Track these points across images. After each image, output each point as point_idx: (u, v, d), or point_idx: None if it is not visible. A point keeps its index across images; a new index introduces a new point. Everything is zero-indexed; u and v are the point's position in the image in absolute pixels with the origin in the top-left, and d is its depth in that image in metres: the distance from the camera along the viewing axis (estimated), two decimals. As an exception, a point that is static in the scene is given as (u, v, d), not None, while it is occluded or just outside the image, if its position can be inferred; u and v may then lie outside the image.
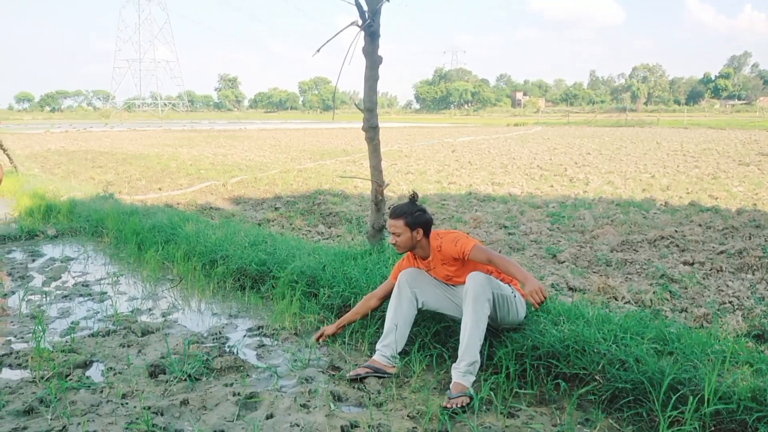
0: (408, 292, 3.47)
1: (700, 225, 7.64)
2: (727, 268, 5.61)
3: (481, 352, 3.16)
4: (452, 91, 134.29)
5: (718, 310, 4.50)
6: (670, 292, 4.93)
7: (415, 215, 3.46)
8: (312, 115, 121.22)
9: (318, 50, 4.73)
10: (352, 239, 6.85)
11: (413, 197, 3.57)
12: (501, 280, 3.37)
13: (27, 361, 3.54)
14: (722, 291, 4.97)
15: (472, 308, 3.13)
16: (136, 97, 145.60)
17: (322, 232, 7.56)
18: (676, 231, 7.14)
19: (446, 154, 20.80)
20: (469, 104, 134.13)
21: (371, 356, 3.49)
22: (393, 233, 3.51)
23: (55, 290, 5.07)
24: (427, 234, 3.51)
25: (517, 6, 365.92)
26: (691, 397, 2.61)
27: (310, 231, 7.67)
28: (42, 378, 3.30)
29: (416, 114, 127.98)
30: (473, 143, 27.15)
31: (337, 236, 7.28)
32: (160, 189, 11.87)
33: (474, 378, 3.11)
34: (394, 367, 3.38)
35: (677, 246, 6.55)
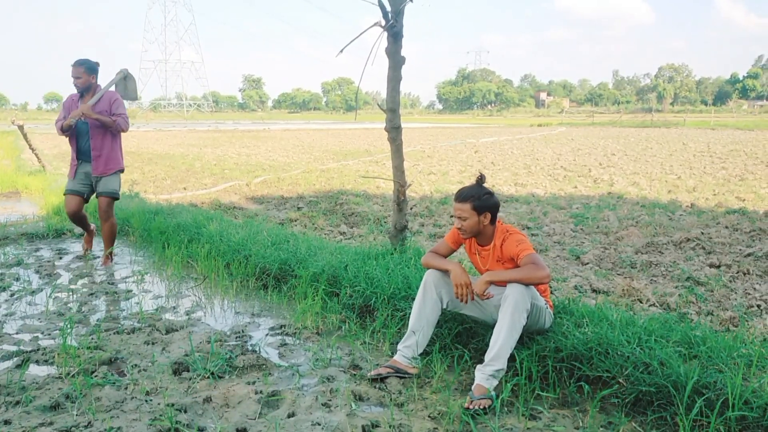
0: (433, 293, 3.42)
1: (726, 227, 7.53)
2: (755, 271, 5.52)
3: (508, 359, 3.13)
4: (475, 92, 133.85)
5: (745, 313, 4.43)
6: (696, 295, 4.86)
7: (483, 198, 3.33)
8: (335, 116, 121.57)
9: (341, 51, 4.75)
10: (374, 239, 6.86)
11: (480, 179, 3.43)
12: (537, 291, 3.33)
13: (54, 357, 3.60)
14: (749, 294, 4.89)
15: (510, 316, 3.07)
16: (161, 98, 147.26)
17: (344, 232, 7.58)
18: (702, 233, 7.04)
19: (469, 154, 20.73)
20: (493, 105, 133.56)
21: (392, 356, 3.49)
22: (459, 217, 3.38)
23: (81, 288, 5.15)
24: (493, 220, 3.40)
25: (545, 5, 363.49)
26: (716, 402, 2.58)
27: (332, 231, 7.69)
28: (68, 374, 3.35)
29: (439, 114, 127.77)
30: (496, 144, 27.03)
31: (359, 236, 7.29)
32: (184, 188, 11.99)
33: (497, 383, 3.09)
34: (415, 368, 3.37)
35: (703, 248, 6.46)
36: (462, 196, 3.38)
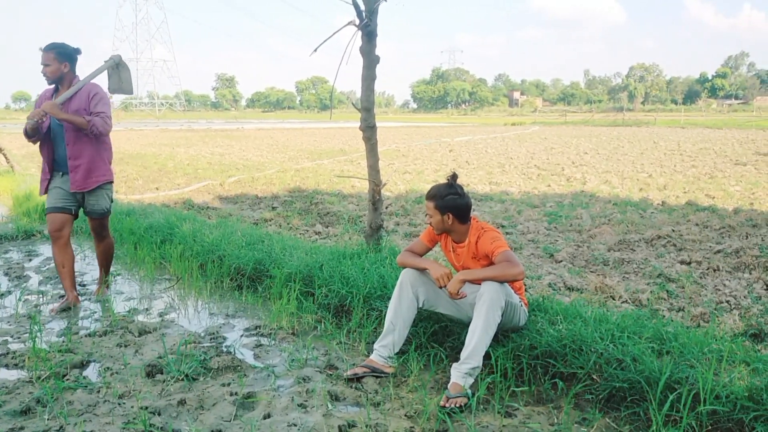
0: (410, 292, 3.42)
1: (697, 224, 7.65)
2: (724, 268, 5.62)
3: (484, 356, 3.14)
4: (450, 91, 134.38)
5: (715, 309, 4.51)
6: (667, 291, 4.93)
7: (446, 199, 3.35)
8: (309, 115, 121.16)
9: (315, 50, 4.73)
10: (350, 239, 6.85)
11: (451, 178, 3.45)
12: (512, 289, 3.35)
13: (24, 361, 3.53)
14: (719, 290, 4.98)
15: (485, 314, 3.08)
16: (133, 97, 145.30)
17: (320, 232, 7.56)
18: (673, 230, 7.15)
19: (444, 153, 20.80)
20: (467, 104, 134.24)
21: (368, 356, 3.49)
22: (427, 214, 3.47)
23: (51, 290, 5.06)
24: (462, 220, 3.41)
25: (518, 5, 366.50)
26: (687, 396, 2.62)
27: (307, 230, 7.67)
28: (39, 378, 3.29)
29: (414, 113, 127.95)
30: (471, 143, 27.16)
31: (334, 236, 7.27)
32: (157, 188, 11.86)
33: (473, 381, 3.10)
34: (391, 367, 3.37)
35: (674, 245, 6.55)
36: (428, 194, 3.45)
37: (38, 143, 4.63)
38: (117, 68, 4.78)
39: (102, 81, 4.77)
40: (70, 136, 4.52)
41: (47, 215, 4.70)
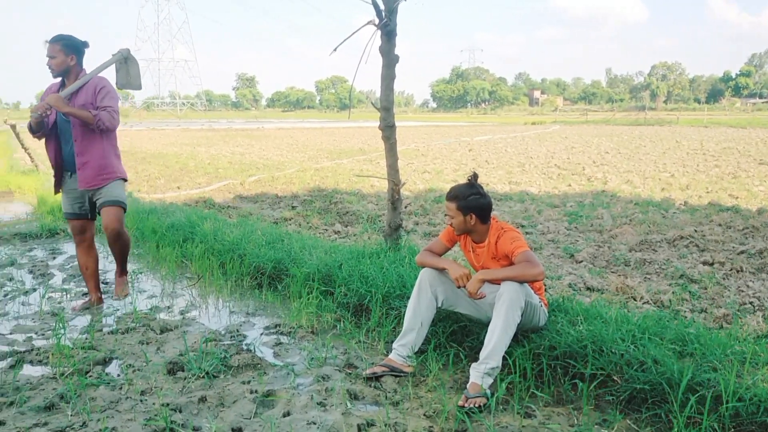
0: (428, 291, 3.41)
1: (720, 225, 7.56)
2: (748, 269, 5.55)
3: (503, 357, 3.14)
4: (469, 90, 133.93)
5: (738, 310, 4.45)
6: (690, 292, 4.88)
7: (469, 199, 3.33)
8: (329, 114, 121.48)
9: (335, 49, 4.74)
10: (369, 238, 6.86)
11: (472, 178, 3.43)
12: (532, 289, 3.34)
13: (48, 357, 3.58)
14: (742, 291, 4.91)
15: (504, 314, 3.07)
16: (155, 97, 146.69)
17: (339, 231, 7.58)
18: (695, 231, 7.07)
19: (463, 153, 20.75)
20: (487, 103, 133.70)
21: (387, 355, 3.49)
22: (447, 215, 3.43)
23: (75, 287, 5.13)
24: (483, 220, 3.39)
25: (538, 4, 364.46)
26: (708, 398, 2.59)
27: (326, 230, 7.69)
28: (62, 374, 3.34)
29: (433, 113, 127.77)
30: (490, 142, 27.06)
31: (354, 235, 7.29)
32: (178, 188, 11.96)
33: (492, 381, 3.09)
34: (410, 366, 3.37)
35: (697, 246, 6.48)
36: (450, 194, 3.40)
37: (44, 140, 4.47)
38: (125, 62, 4.55)
39: (109, 75, 4.57)
40: (77, 131, 4.32)
41: (68, 221, 4.68)
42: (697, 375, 2.74)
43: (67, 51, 4.27)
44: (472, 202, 3.34)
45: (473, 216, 3.36)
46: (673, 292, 4.86)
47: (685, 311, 4.43)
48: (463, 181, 3.47)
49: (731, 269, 5.55)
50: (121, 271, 4.92)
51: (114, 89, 4.44)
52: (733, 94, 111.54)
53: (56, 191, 4.65)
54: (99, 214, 4.58)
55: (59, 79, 4.41)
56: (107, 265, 5.89)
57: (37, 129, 4.31)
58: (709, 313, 4.39)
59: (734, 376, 2.64)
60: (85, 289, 4.89)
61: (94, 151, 4.38)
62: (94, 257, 4.73)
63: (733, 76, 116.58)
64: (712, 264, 5.75)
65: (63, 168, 4.52)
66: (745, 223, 7.58)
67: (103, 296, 4.80)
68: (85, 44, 4.39)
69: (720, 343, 3.04)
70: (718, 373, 2.73)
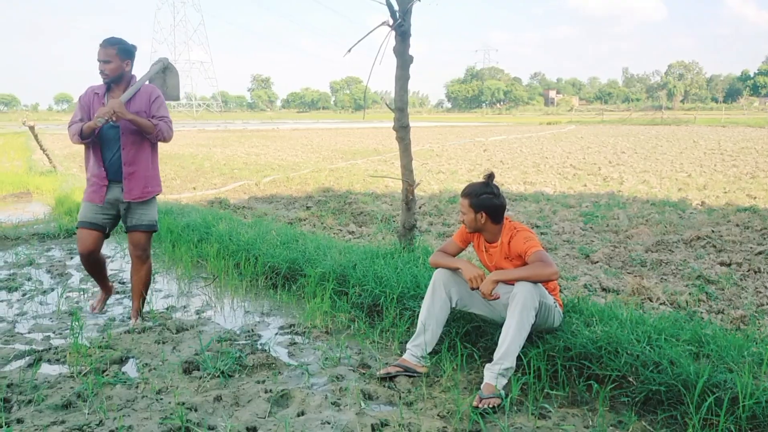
0: (442, 292, 3.42)
1: (737, 225, 7.49)
2: (765, 269, 5.49)
3: (517, 357, 3.13)
4: (484, 90, 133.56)
5: (756, 311, 4.41)
6: (707, 293, 4.84)
7: (482, 197, 3.35)
8: (344, 115, 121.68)
9: (349, 50, 4.75)
10: (383, 238, 6.87)
11: (489, 177, 3.45)
12: (546, 289, 3.33)
13: (65, 356, 3.62)
14: (760, 293, 4.87)
15: (518, 314, 3.07)
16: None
17: (353, 231, 7.59)
18: (712, 231, 7.01)
19: (478, 153, 20.70)
20: (502, 103, 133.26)
21: (401, 355, 3.49)
22: (460, 211, 3.47)
23: (92, 287, 5.18)
24: (495, 220, 3.39)
25: (554, 2, 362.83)
26: (725, 400, 2.57)
27: (341, 230, 7.71)
28: (79, 373, 3.37)
29: (448, 113, 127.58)
30: (505, 142, 26.97)
31: (368, 235, 7.30)
32: (194, 188, 12.04)
33: (506, 381, 3.09)
34: (424, 366, 3.38)
35: (714, 246, 6.42)
36: (464, 191, 3.44)
37: (86, 146, 4.15)
38: (163, 72, 4.44)
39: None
40: (126, 139, 4.05)
41: (78, 230, 4.22)
42: (714, 376, 2.72)
43: (123, 56, 4.03)
44: (485, 201, 3.35)
45: (484, 215, 3.37)
46: (689, 293, 4.82)
47: (701, 312, 4.40)
48: (479, 180, 3.48)
49: (749, 270, 5.50)
50: (139, 307, 4.39)
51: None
52: (751, 94, 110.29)
53: (90, 199, 4.17)
54: (127, 232, 4.28)
55: (102, 85, 4.11)
56: (124, 265, 5.94)
57: (89, 135, 3.99)
58: (726, 314, 4.35)
59: (751, 377, 2.62)
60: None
61: (141, 162, 4.14)
62: (101, 264, 4.46)
63: (752, 75, 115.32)
64: (729, 265, 5.70)
65: (106, 177, 4.12)
66: (763, 223, 7.50)
67: (113, 286, 4.78)
68: (135, 48, 4.17)
69: (737, 345, 3.01)
70: (735, 375, 2.71)
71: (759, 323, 4.12)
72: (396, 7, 4.52)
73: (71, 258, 6.23)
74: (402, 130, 4.82)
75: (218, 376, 3.34)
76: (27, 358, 3.64)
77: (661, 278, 5.37)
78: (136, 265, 4.31)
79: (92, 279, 4.72)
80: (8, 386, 3.18)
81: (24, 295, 4.96)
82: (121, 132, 4.04)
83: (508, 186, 11.75)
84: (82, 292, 5.03)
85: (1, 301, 4.82)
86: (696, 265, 5.65)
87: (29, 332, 4.12)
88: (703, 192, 10.65)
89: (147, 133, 4.04)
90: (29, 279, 5.40)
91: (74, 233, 7.27)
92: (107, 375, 3.36)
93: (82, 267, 4.63)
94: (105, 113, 3.81)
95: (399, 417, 2.86)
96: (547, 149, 22.05)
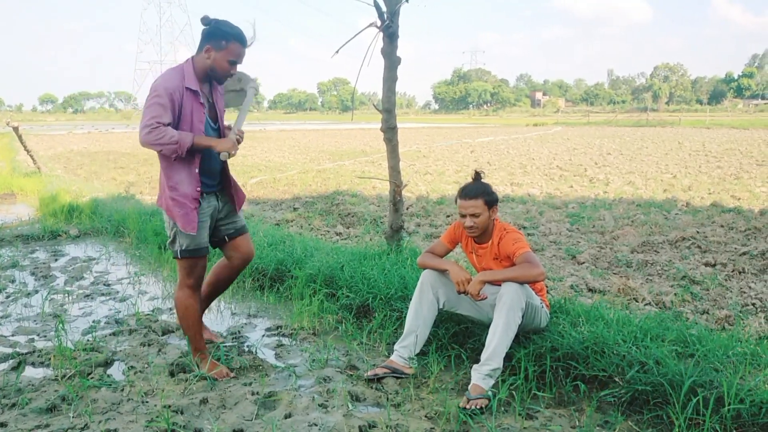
0: (430, 293, 3.43)
1: (722, 226, 7.55)
2: (750, 270, 5.54)
3: (504, 358, 3.14)
4: (471, 92, 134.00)
5: (741, 311, 4.44)
6: (692, 293, 4.87)
7: (492, 194, 3.38)
8: (331, 116, 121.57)
9: (337, 51, 4.75)
10: (371, 239, 6.86)
11: (478, 175, 3.46)
12: (533, 290, 3.34)
13: (49, 359, 3.59)
14: (744, 293, 4.91)
15: (505, 315, 3.08)
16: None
17: (341, 233, 7.58)
18: (697, 232, 7.06)
19: (465, 154, 20.74)
20: (488, 104, 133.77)
21: (389, 357, 3.49)
22: (471, 215, 3.32)
23: (77, 289, 5.13)
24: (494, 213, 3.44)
25: (541, 4, 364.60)
26: (711, 399, 2.59)
27: (328, 231, 7.69)
28: (64, 376, 3.34)
29: (435, 114, 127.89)
30: (492, 144, 27.05)
31: (356, 237, 7.29)
32: (180, 189, 11.95)
33: (494, 382, 3.09)
34: (412, 368, 3.38)
35: (699, 247, 6.47)
36: (472, 192, 3.35)
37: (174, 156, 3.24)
38: (243, 92, 3.79)
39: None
40: None
41: (192, 258, 3.35)
42: (699, 376, 2.74)
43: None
44: (495, 195, 3.40)
45: (496, 209, 3.41)
46: (675, 294, 4.85)
47: (687, 313, 4.42)
48: (466, 182, 3.48)
49: (733, 270, 5.54)
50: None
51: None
52: (735, 96, 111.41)
53: (193, 228, 3.27)
54: (227, 239, 3.65)
55: (174, 69, 3.33)
56: (108, 267, 5.89)
57: (194, 151, 3.26)
58: (711, 315, 4.38)
59: (736, 377, 2.64)
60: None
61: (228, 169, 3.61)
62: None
63: (736, 78, 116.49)
64: (714, 265, 5.75)
65: (202, 190, 3.34)
66: (747, 224, 7.57)
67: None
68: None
69: (722, 345, 3.04)
70: (720, 375, 2.73)
71: (743, 323, 4.15)
72: (384, 9, 4.52)
73: (55, 260, 6.17)
74: (389, 131, 4.82)
75: (205, 379, 3.32)
76: (11, 361, 3.60)
77: (647, 279, 5.40)
78: (240, 269, 3.82)
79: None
80: (-9, 390, 3.15)
81: (8, 297, 4.91)
82: (221, 136, 3.46)
83: (495, 187, 11.74)
84: (66, 294, 4.98)
85: (-15, 303, 4.77)
86: (681, 265, 5.69)
87: (13, 335, 4.08)
88: (688, 193, 10.73)
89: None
90: (13, 281, 5.34)
91: (59, 235, 7.22)
92: (92, 378, 3.33)
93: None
94: (229, 148, 3.26)
95: (387, 418, 2.86)
96: (534, 150, 22.14)
